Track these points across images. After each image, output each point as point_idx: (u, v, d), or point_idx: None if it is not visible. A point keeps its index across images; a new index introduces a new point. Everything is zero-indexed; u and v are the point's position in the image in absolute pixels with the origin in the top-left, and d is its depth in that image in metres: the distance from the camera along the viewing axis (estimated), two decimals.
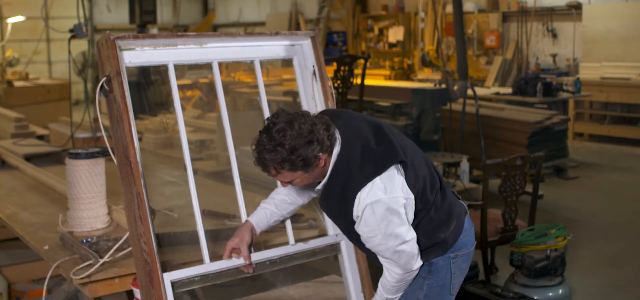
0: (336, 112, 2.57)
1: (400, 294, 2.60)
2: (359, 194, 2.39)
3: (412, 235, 2.45)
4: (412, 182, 2.45)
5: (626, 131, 10.66)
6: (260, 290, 3.91)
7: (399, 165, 2.44)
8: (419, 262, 2.51)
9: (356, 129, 2.49)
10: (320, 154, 2.38)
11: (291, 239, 2.76)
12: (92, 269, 2.68)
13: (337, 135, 2.46)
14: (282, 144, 2.32)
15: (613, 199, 7.58)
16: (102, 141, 2.92)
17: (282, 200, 2.73)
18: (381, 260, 2.52)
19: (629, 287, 5.04)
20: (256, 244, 2.73)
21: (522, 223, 4.72)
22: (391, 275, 2.52)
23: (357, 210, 2.41)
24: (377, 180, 2.38)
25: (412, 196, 2.44)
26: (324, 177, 2.48)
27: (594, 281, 5.12)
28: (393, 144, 2.46)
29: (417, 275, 2.61)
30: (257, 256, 2.65)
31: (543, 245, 4.22)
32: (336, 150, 2.45)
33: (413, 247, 2.47)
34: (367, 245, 2.49)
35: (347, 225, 2.51)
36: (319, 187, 2.53)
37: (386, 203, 2.37)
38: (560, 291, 4.19)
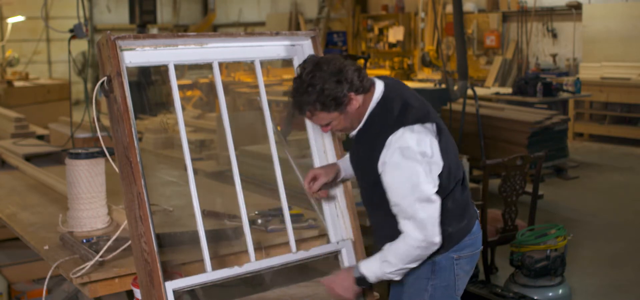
0: (380, 75, 2.66)
1: (408, 267, 2.51)
2: (390, 137, 2.42)
3: (437, 197, 2.42)
4: (450, 158, 2.49)
5: (626, 131, 10.66)
6: (260, 290, 3.90)
7: (434, 128, 2.47)
8: (439, 237, 2.44)
9: (398, 88, 2.57)
10: (351, 93, 2.45)
11: (293, 248, 2.76)
12: (87, 268, 2.68)
13: (377, 84, 2.54)
14: (312, 84, 2.42)
15: (613, 199, 7.58)
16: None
17: None
18: (401, 222, 2.45)
19: (629, 287, 5.04)
20: (257, 248, 2.73)
21: (522, 223, 4.73)
22: (407, 240, 2.44)
23: (384, 156, 2.42)
24: (411, 129, 2.42)
25: (441, 162, 2.44)
26: (360, 121, 2.52)
27: (594, 281, 5.12)
28: (431, 109, 2.53)
29: (420, 275, 2.58)
30: (258, 265, 2.65)
31: (543, 245, 4.22)
32: (376, 95, 2.51)
33: (436, 211, 2.42)
34: (391, 200, 2.44)
35: (371, 183, 2.51)
36: (353, 133, 2.56)
37: (415, 153, 2.38)
38: (560, 291, 4.19)
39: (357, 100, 2.47)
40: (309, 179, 2.72)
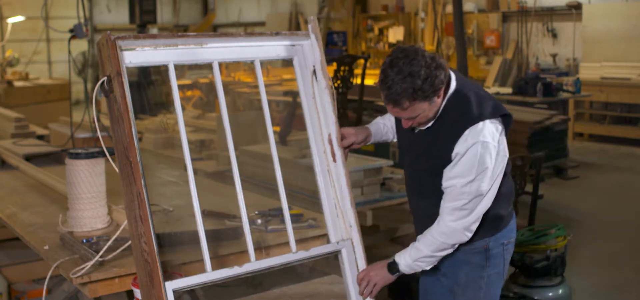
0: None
1: (436, 256, 2.55)
2: (470, 129, 2.41)
3: (489, 199, 2.46)
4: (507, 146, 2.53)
5: (626, 131, 10.66)
6: (260, 290, 3.91)
7: (502, 121, 2.50)
8: (471, 234, 2.50)
9: (466, 80, 2.56)
10: (443, 81, 2.39)
11: (293, 247, 2.76)
12: (87, 268, 2.68)
13: (451, 75, 2.50)
14: (412, 74, 2.33)
15: (613, 199, 7.58)
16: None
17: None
18: (444, 203, 2.48)
19: (629, 287, 5.04)
20: (257, 248, 2.73)
21: (522, 223, 4.72)
22: (440, 226, 2.49)
23: (460, 147, 2.42)
24: (488, 123, 2.43)
25: (507, 154, 2.49)
26: (435, 116, 2.50)
27: (594, 281, 5.12)
28: (495, 99, 2.54)
29: (475, 265, 2.62)
30: (258, 265, 2.65)
31: (543, 245, 4.22)
32: (452, 87, 2.48)
33: (482, 211, 2.47)
34: (447, 184, 2.46)
35: (432, 171, 2.52)
36: (429, 125, 2.53)
37: (491, 150, 2.41)
38: (560, 291, 4.19)
39: (442, 90, 2.44)
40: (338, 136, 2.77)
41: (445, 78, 2.41)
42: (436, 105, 2.44)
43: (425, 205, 2.61)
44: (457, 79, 2.51)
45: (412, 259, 2.57)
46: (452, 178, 2.45)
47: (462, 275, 2.65)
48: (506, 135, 2.52)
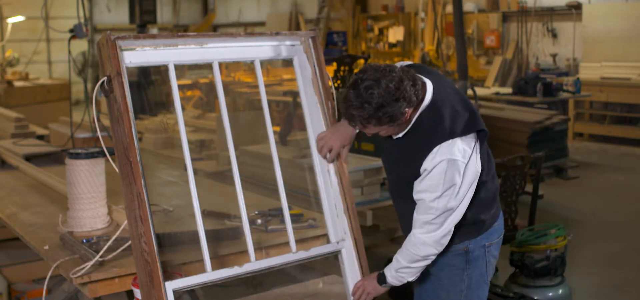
0: (426, 69, 2.60)
1: (413, 267, 2.57)
2: (438, 146, 2.41)
3: (459, 212, 2.47)
4: (483, 157, 2.52)
5: (626, 131, 10.66)
6: (260, 290, 3.91)
7: (475, 135, 2.48)
8: (441, 247, 2.52)
9: (445, 90, 2.53)
10: (407, 109, 2.39)
11: (293, 247, 2.76)
12: (87, 268, 2.68)
13: (428, 87, 2.47)
14: (369, 102, 2.34)
15: (613, 199, 7.58)
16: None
17: None
18: (416, 220, 2.50)
19: (629, 287, 5.04)
20: (257, 248, 2.73)
21: (522, 223, 4.73)
22: (412, 238, 2.52)
23: (428, 163, 2.42)
24: (459, 140, 2.42)
25: (479, 169, 2.48)
26: (407, 125, 2.49)
27: (594, 281, 5.12)
28: (477, 113, 2.52)
29: (456, 267, 2.64)
30: (258, 265, 2.65)
31: (543, 245, 4.22)
32: (426, 101, 2.47)
33: (452, 224, 2.49)
34: (417, 197, 2.48)
35: (407, 180, 2.52)
36: (399, 135, 2.54)
37: (459, 167, 2.40)
38: (560, 291, 4.20)
39: (409, 113, 2.43)
40: (324, 151, 2.77)
41: (410, 105, 2.39)
42: (402, 123, 2.44)
43: (407, 207, 2.62)
44: (434, 91, 2.49)
45: (394, 270, 2.62)
46: (421, 192, 2.47)
47: (444, 276, 2.68)
48: (482, 148, 2.52)
